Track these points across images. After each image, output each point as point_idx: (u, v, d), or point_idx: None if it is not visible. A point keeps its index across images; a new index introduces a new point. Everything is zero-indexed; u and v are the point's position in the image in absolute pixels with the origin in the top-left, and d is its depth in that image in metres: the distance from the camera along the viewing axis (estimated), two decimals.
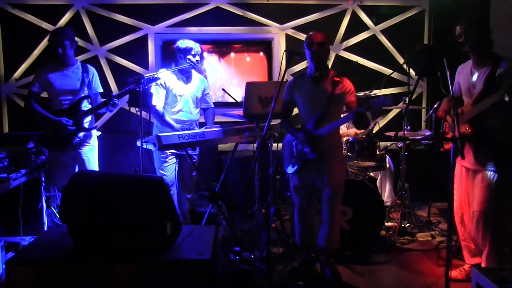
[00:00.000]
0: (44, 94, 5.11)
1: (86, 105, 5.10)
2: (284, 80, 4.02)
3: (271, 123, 4.11)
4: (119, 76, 6.82)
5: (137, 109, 4.75)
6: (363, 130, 5.53)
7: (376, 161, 5.49)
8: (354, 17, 7.07)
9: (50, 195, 5.23)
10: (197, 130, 5.10)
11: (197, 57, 5.26)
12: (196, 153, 5.50)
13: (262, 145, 4.44)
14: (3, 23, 6.72)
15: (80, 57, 6.51)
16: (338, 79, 4.24)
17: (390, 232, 5.46)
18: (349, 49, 7.11)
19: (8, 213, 4.56)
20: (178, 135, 4.71)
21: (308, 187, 4.44)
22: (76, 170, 5.12)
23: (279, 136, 5.26)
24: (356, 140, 5.46)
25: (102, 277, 3.17)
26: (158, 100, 5.17)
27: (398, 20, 7.12)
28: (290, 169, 4.46)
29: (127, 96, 4.76)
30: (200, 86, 5.46)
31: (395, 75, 6.88)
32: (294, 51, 4.05)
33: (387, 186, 6.29)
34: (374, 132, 5.80)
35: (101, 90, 5.29)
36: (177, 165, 5.38)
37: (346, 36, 7.09)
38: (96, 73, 5.25)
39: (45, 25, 6.71)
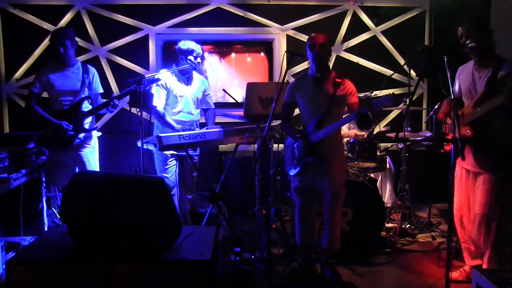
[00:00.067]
0: (45, 94, 5.11)
1: (86, 106, 5.10)
2: (285, 81, 4.01)
3: (271, 124, 4.11)
4: (120, 77, 6.82)
5: (137, 109, 4.75)
6: (365, 131, 5.53)
7: (376, 162, 5.49)
8: (355, 18, 7.07)
9: (51, 195, 5.24)
10: (198, 130, 5.10)
11: (198, 59, 5.26)
12: (196, 153, 5.51)
13: (263, 146, 4.44)
14: (4, 23, 6.72)
15: (81, 58, 6.51)
16: (339, 80, 4.25)
17: (390, 233, 5.46)
18: (349, 50, 7.12)
19: (8, 213, 4.55)
20: (179, 135, 4.71)
21: (309, 189, 4.44)
22: (77, 171, 5.11)
23: (280, 137, 5.26)
24: (357, 141, 5.46)
25: (103, 277, 3.17)
26: (158, 100, 5.17)
27: (399, 21, 7.12)
28: (292, 171, 4.47)
29: (128, 96, 4.76)
30: (201, 87, 5.46)
31: (396, 76, 6.88)
32: (295, 52, 4.05)
33: (388, 188, 6.29)
34: (374, 133, 5.80)
35: (101, 90, 5.29)
36: (177, 167, 5.38)
37: (347, 37, 7.09)
38: (96, 74, 5.25)
39: (46, 26, 6.71)
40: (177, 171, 5.39)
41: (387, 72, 6.92)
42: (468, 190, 4.19)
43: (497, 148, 3.93)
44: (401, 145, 6.00)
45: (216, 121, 5.66)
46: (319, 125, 4.22)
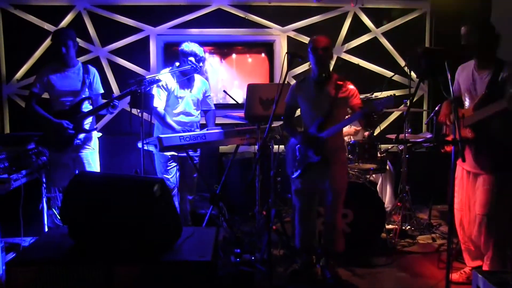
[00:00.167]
0: (45, 95, 5.11)
1: (87, 106, 5.10)
2: (286, 82, 4.02)
3: (272, 125, 4.11)
4: (121, 78, 6.82)
5: (138, 110, 4.75)
6: (372, 129, 5.53)
7: (377, 164, 5.50)
8: (356, 19, 7.07)
9: (51, 196, 5.24)
10: (198, 131, 5.10)
11: (201, 63, 5.26)
12: (197, 154, 5.50)
13: (263, 147, 4.44)
14: (5, 24, 6.72)
15: (82, 58, 6.51)
16: (341, 82, 4.25)
17: (390, 235, 5.45)
18: (350, 52, 7.12)
19: (8, 214, 4.55)
20: (179, 136, 4.71)
21: (310, 191, 4.45)
22: (77, 172, 5.11)
23: (280, 138, 5.26)
24: (357, 143, 5.47)
25: (103, 278, 3.17)
26: (159, 101, 5.17)
27: (400, 23, 7.12)
28: (293, 174, 4.47)
29: (129, 97, 4.76)
30: (202, 88, 5.46)
31: (396, 77, 6.88)
32: (295, 54, 4.05)
33: (388, 191, 6.27)
34: (375, 134, 5.80)
35: (102, 91, 5.29)
36: (178, 168, 5.39)
37: (348, 39, 7.09)
38: (97, 74, 5.24)
39: (47, 26, 6.71)
40: (177, 172, 5.39)
41: (388, 73, 6.92)
42: (469, 191, 4.19)
43: (497, 149, 3.93)
44: (401, 147, 5.99)
45: (216, 122, 5.66)
46: (321, 128, 4.22)
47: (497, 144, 3.92)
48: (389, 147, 6.09)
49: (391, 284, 4.56)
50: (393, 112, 7.00)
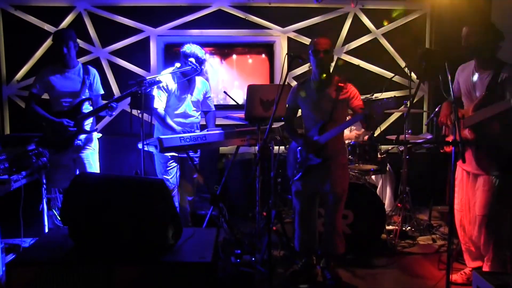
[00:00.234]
0: (45, 96, 5.12)
1: (87, 107, 5.10)
2: (286, 83, 4.01)
3: (272, 126, 4.11)
4: (121, 78, 6.82)
5: (138, 111, 4.75)
6: (367, 132, 5.53)
7: (377, 164, 5.50)
8: (356, 20, 7.07)
9: (51, 197, 5.23)
10: (199, 132, 5.10)
11: (202, 65, 5.26)
12: (197, 155, 5.50)
13: (264, 148, 4.44)
14: (5, 25, 6.72)
15: (82, 59, 6.51)
16: (342, 84, 4.25)
17: (391, 236, 5.45)
18: (350, 53, 7.12)
19: (8, 215, 4.55)
20: (180, 137, 4.71)
21: (310, 193, 4.45)
22: (77, 173, 5.11)
23: (281, 139, 5.26)
24: (357, 143, 5.47)
25: (103, 279, 3.17)
26: (159, 102, 5.17)
27: (400, 24, 7.12)
28: (294, 176, 4.47)
29: (129, 98, 4.77)
30: (202, 89, 5.46)
31: (397, 78, 6.88)
32: (296, 55, 4.04)
33: (388, 194, 6.27)
34: (375, 135, 5.80)
35: (102, 92, 5.29)
36: (178, 169, 5.39)
37: (348, 40, 7.09)
38: (97, 75, 5.25)
39: (47, 27, 6.72)
40: (177, 173, 5.39)
41: (388, 74, 6.91)
42: (469, 192, 4.20)
43: (497, 150, 3.93)
44: (401, 148, 5.99)
45: (217, 123, 5.66)
46: (322, 130, 4.22)
47: (496, 145, 3.92)
48: (389, 148, 6.09)
49: (391, 285, 4.56)
50: (393, 113, 6.99)
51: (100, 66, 6.72)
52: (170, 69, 5.31)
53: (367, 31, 7.11)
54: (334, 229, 4.42)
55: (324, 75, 4.26)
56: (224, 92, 6.23)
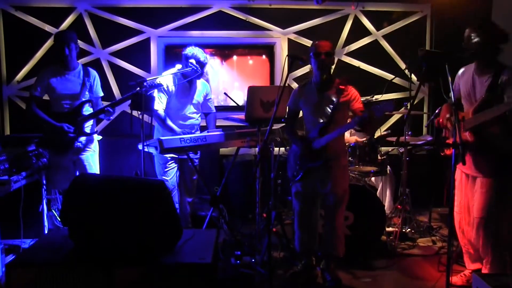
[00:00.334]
0: (45, 97, 5.12)
1: (87, 109, 5.11)
2: (286, 85, 4.01)
3: (272, 128, 4.11)
4: (121, 79, 6.81)
5: (139, 112, 4.75)
6: (366, 137, 5.53)
7: (377, 166, 5.50)
8: (356, 22, 7.07)
9: (51, 198, 5.23)
10: (199, 134, 5.10)
11: (203, 68, 5.26)
12: (197, 156, 5.50)
13: (264, 150, 4.44)
14: (5, 25, 6.71)
15: (82, 60, 6.51)
16: (343, 87, 4.25)
17: (391, 237, 5.45)
18: (351, 54, 7.12)
19: (8, 216, 4.56)
20: (180, 138, 4.71)
21: (310, 194, 4.45)
22: (77, 174, 5.11)
23: (281, 140, 5.26)
24: (357, 145, 5.47)
25: (103, 280, 3.18)
26: (159, 104, 5.18)
27: (400, 26, 7.12)
28: (294, 177, 4.47)
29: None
30: (202, 91, 5.46)
31: (397, 80, 6.88)
32: (296, 56, 4.04)
33: (388, 194, 6.27)
34: (375, 137, 5.79)
35: (102, 94, 5.29)
36: (177, 170, 5.39)
37: (348, 41, 7.09)
38: (97, 77, 5.25)
39: (48, 28, 6.71)
40: (177, 173, 5.39)
41: (388, 76, 6.92)
42: (468, 194, 4.20)
43: (496, 153, 3.93)
44: (402, 149, 5.99)
45: (217, 124, 5.66)
46: (322, 132, 4.23)
47: (495, 148, 3.92)
48: (390, 150, 6.08)
49: (391, 286, 4.57)
50: (393, 115, 6.99)
51: (100, 67, 6.71)
52: (171, 70, 5.31)
53: (368, 32, 7.11)
54: (333, 230, 4.41)
55: (325, 77, 4.26)
56: (225, 93, 6.23)
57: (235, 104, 5.91)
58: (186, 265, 3.24)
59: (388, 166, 5.84)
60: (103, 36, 6.84)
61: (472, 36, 3.93)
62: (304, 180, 4.40)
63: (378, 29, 7.10)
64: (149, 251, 3.29)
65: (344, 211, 4.48)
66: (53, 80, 5.01)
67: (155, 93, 5.13)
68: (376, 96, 5.96)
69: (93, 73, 5.21)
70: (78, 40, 5.13)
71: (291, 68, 4.03)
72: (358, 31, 7.10)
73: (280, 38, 7.02)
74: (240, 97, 6.83)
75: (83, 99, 5.07)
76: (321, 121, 4.27)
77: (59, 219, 4.94)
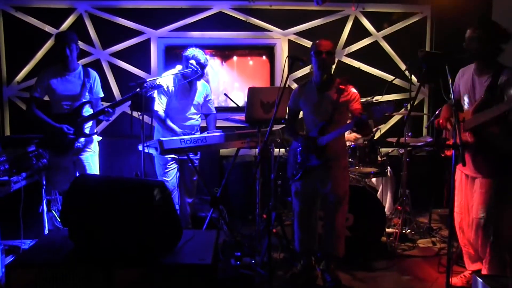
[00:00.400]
0: (46, 97, 5.12)
1: (87, 110, 5.12)
2: (286, 85, 4.02)
3: (273, 129, 4.11)
4: (121, 80, 6.81)
5: (139, 113, 4.75)
6: (366, 137, 5.53)
7: (377, 167, 5.50)
8: (357, 23, 7.08)
9: (51, 199, 5.23)
10: (199, 134, 5.10)
11: (203, 69, 5.26)
12: (197, 157, 5.51)
13: (264, 151, 4.44)
14: (6, 26, 6.72)
15: (83, 61, 6.52)
16: (343, 87, 4.25)
17: (391, 238, 5.45)
18: (351, 55, 7.12)
19: (8, 216, 4.55)
20: (180, 139, 4.71)
21: (309, 194, 4.45)
22: (77, 175, 5.11)
23: (281, 141, 5.26)
24: (358, 146, 5.47)
25: (103, 281, 3.17)
26: (160, 105, 5.18)
27: (400, 27, 7.13)
28: (293, 176, 4.47)
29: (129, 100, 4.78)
30: (203, 92, 5.46)
31: (397, 81, 6.88)
32: (296, 57, 4.04)
33: (388, 195, 6.27)
34: (375, 138, 5.80)
35: (102, 95, 5.30)
36: (177, 170, 5.39)
37: (348, 42, 7.09)
38: (97, 78, 5.25)
39: (48, 29, 6.71)
40: (177, 174, 5.39)
41: (388, 77, 6.92)
42: (468, 194, 4.20)
43: (495, 154, 3.93)
44: (402, 150, 5.99)
45: (217, 125, 5.66)
46: (322, 132, 4.23)
47: (495, 148, 3.92)
48: (390, 151, 6.08)
49: (391, 287, 4.56)
50: (393, 116, 7.00)
51: (100, 67, 6.72)
52: (171, 71, 5.32)
53: (368, 33, 7.11)
54: (333, 231, 4.41)
55: (326, 77, 4.26)
56: (225, 94, 6.24)
57: (235, 105, 5.92)
58: (186, 266, 3.24)
59: (388, 167, 5.84)
60: (103, 37, 6.84)
61: (474, 35, 3.93)
62: (304, 179, 4.40)
63: (378, 30, 7.10)
64: (149, 251, 3.29)
65: (345, 211, 4.48)
66: (53, 81, 5.01)
67: (155, 94, 5.14)
68: (376, 97, 5.96)
69: (93, 74, 5.21)
70: (78, 41, 5.13)
71: (291, 69, 4.03)
72: (358, 32, 7.10)
73: (280, 39, 7.03)
74: (240, 98, 6.84)
75: (83, 100, 5.08)
76: (321, 120, 4.27)
77: (59, 220, 4.93)
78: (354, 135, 5.89)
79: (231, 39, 7.00)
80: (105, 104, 5.13)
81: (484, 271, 4.04)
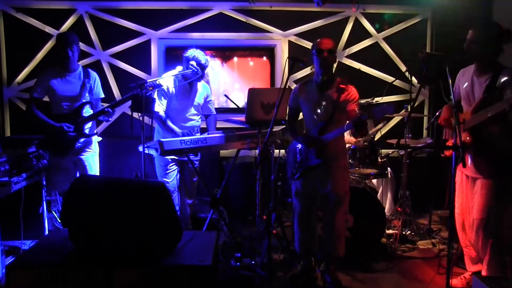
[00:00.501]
0: (45, 98, 5.12)
1: (88, 111, 5.12)
2: (286, 87, 4.02)
3: (273, 130, 4.11)
4: (122, 81, 6.82)
5: (139, 114, 4.76)
6: (361, 138, 5.52)
7: (377, 168, 5.50)
8: (357, 24, 7.08)
9: (51, 199, 5.23)
10: (199, 135, 5.10)
11: (206, 70, 5.26)
12: (197, 158, 5.51)
13: (264, 152, 4.44)
14: (6, 27, 6.72)
15: (83, 62, 6.53)
16: (343, 86, 4.25)
17: (391, 240, 5.45)
18: (351, 56, 7.12)
19: (8, 217, 4.55)
20: (180, 140, 4.71)
21: (309, 194, 4.44)
22: (77, 176, 5.11)
23: (281, 142, 5.26)
24: (358, 147, 5.47)
25: (103, 282, 3.17)
26: (160, 105, 5.18)
27: (401, 28, 7.13)
28: (293, 175, 4.47)
29: (130, 101, 4.77)
30: (203, 93, 5.46)
31: (397, 82, 6.88)
32: (297, 59, 4.05)
33: (388, 197, 6.26)
34: (375, 139, 5.79)
35: (102, 95, 5.30)
36: (178, 172, 5.39)
37: (349, 43, 7.10)
38: (98, 79, 5.26)
39: (49, 29, 6.72)
40: (177, 175, 5.40)
41: (389, 78, 6.92)
42: (468, 195, 4.20)
43: (495, 154, 3.93)
44: (402, 152, 5.99)
45: (217, 126, 5.67)
46: (322, 131, 4.23)
47: (494, 149, 3.92)
48: (390, 152, 6.08)
49: None
50: (394, 117, 7.00)
51: (101, 68, 6.72)
52: (172, 72, 5.32)
53: (368, 35, 7.11)
54: (333, 231, 4.40)
55: (327, 76, 4.26)
56: (225, 95, 6.24)
57: (235, 106, 5.92)
58: (186, 267, 3.24)
59: (388, 169, 5.84)
60: (104, 38, 6.85)
61: (475, 36, 3.93)
62: (303, 179, 4.40)
63: (378, 31, 7.10)
64: (149, 252, 3.29)
65: (345, 212, 4.47)
66: (53, 82, 5.01)
67: (156, 94, 5.14)
68: (376, 99, 5.96)
69: (93, 74, 5.22)
70: (79, 42, 5.14)
71: (292, 70, 4.03)
72: (359, 33, 7.11)
73: (281, 40, 7.03)
74: (240, 99, 6.84)
75: (83, 101, 5.08)
76: (321, 120, 4.27)
77: (59, 221, 4.93)
78: (353, 138, 5.89)
79: (232, 40, 7.01)
80: (105, 105, 5.12)
81: (484, 272, 4.04)
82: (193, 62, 5.14)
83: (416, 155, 6.45)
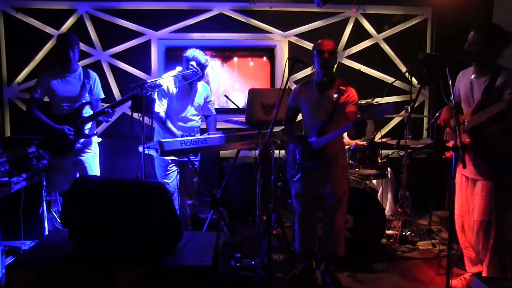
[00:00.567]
0: (46, 98, 5.13)
1: (87, 111, 5.12)
2: (287, 87, 4.02)
3: (273, 130, 4.11)
4: (122, 81, 6.82)
5: (139, 114, 4.76)
6: (359, 140, 5.52)
7: (377, 169, 5.49)
8: (357, 25, 7.08)
9: (51, 200, 5.23)
10: (199, 136, 5.10)
11: (204, 70, 5.26)
12: (197, 159, 5.51)
13: (264, 152, 4.44)
14: (6, 27, 6.72)
15: (83, 62, 6.53)
16: (343, 88, 4.25)
17: (391, 240, 5.45)
18: (351, 57, 7.13)
19: (9, 217, 4.55)
20: (180, 141, 4.71)
21: (310, 195, 4.43)
22: (77, 176, 5.11)
23: (281, 143, 5.26)
24: (358, 148, 5.47)
25: (103, 281, 3.17)
26: (160, 106, 5.18)
27: (401, 29, 7.13)
28: (293, 177, 4.46)
29: (130, 101, 4.77)
30: (203, 93, 5.46)
31: (398, 83, 6.89)
32: (297, 59, 4.05)
33: (388, 198, 6.26)
34: (375, 140, 5.79)
35: (102, 96, 5.31)
36: (178, 172, 5.39)
37: (349, 44, 7.10)
38: (97, 79, 5.26)
39: (49, 30, 6.72)
40: (177, 176, 5.40)
41: (389, 79, 6.92)
42: (468, 197, 4.20)
43: (494, 155, 3.93)
44: (402, 153, 5.99)
45: (217, 126, 5.66)
46: (322, 132, 4.22)
47: (494, 150, 3.92)
48: (390, 153, 6.08)
49: None
50: (394, 118, 7.00)
51: (101, 69, 6.73)
52: (172, 72, 5.32)
53: (368, 35, 7.12)
54: (333, 231, 4.39)
55: (327, 76, 4.26)
56: (225, 95, 6.24)
57: (235, 107, 5.91)
58: (186, 267, 3.24)
59: (388, 169, 5.84)
60: (104, 38, 6.85)
61: (476, 38, 3.93)
62: (303, 180, 4.40)
63: (378, 32, 7.11)
64: (149, 253, 3.29)
65: (344, 212, 4.47)
66: (53, 82, 5.02)
67: (156, 95, 5.14)
68: (376, 99, 5.96)
69: (93, 75, 5.22)
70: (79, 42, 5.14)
71: (292, 71, 4.03)
72: (359, 34, 7.11)
73: (281, 41, 7.03)
74: (240, 99, 6.84)
75: (83, 101, 5.08)
76: (321, 120, 4.27)
77: (59, 221, 4.94)
78: (355, 141, 5.88)
79: (232, 41, 7.01)
80: (105, 105, 5.12)
81: (484, 273, 4.04)
82: (193, 62, 5.14)
83: (416, 156, 6.46)
